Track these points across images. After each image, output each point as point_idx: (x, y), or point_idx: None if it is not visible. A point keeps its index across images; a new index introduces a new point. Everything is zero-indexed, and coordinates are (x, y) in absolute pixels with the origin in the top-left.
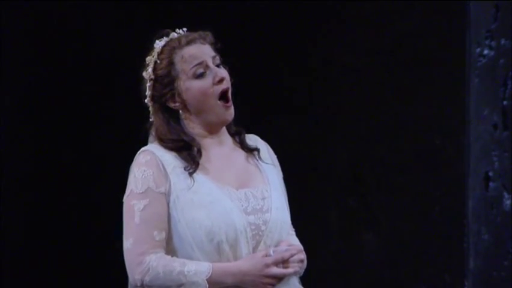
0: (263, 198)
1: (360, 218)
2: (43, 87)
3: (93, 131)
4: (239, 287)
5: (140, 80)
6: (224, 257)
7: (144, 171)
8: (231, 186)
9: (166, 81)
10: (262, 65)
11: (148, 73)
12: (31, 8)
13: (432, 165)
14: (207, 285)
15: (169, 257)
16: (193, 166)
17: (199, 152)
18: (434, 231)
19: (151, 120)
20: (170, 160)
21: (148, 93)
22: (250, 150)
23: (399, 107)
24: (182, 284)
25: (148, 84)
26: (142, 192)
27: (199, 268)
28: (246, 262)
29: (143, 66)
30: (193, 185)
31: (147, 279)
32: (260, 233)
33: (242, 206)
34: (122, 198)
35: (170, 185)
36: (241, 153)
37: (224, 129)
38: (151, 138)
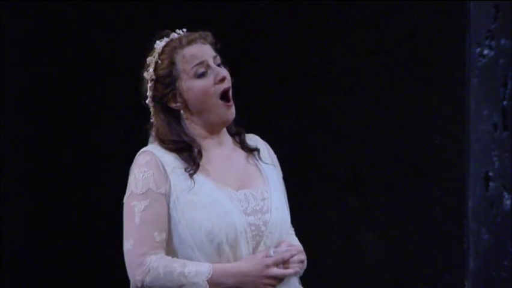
0: (263, 199)
1: (360, 218)
2: (43, 87)
3: (93, 132)
4: (239, 287)
5: (141, 81)
6: (224, 257)
7: (144, 172)
8: (231, 187)
9: (168, 81)
10: (262, 65)
11: (149, 73)
12: (31, 8)
13: (432, 165)
14: (208, 286)
15: (169, 257)
16: (194, 167)
17: (200, 153)
18: (434, 231)
19: (151, 121)
20: (171, 161)
21: (149, 93)
22: (251, 151)
23: (399, 106)
24: (183, 285)
25: (149, 85)
26: (143, 193)
27: (200, 269)
28: (246, 263)
29: (143, 66)
30: (193, 187)
31: (148, 280)
32: (260, 233)
33: (242, 206)
34: (122, 198)
35: (170, 186)
36: (241, 154)
37: (224, 129)
38: (151, 138)
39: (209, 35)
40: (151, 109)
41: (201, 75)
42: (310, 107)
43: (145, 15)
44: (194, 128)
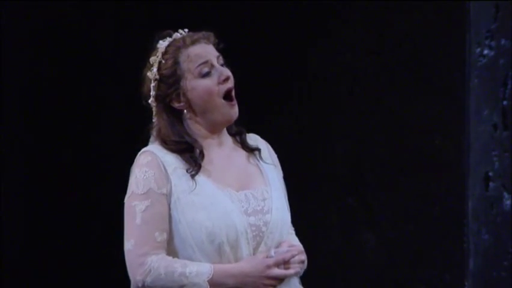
0: (263, 199)
1: (360, 218)
2: (43, 87)
3: (93, 132)
4: None
5: (141, 81)
6: (225, 258)
7: (145, 172)
8: (232, 188)
9: (171, 80)
10: (262, 64)
11: (152, 73)
12: (31, 8)
13: (432, 165)
14: (208, 287)
15: (170, 258)
16: (196, 168)
17: (202, 153)
18: (434, 231)
19: (153, 120)
20: (171, 161)
21: (152, 93)
22: (251, 150)
23: (399, 106)
24: (183, 285)
25: (152, 85)
26: (144, 193)
27: (201, 269)
28: (247, 263)
29: (146, 66)
30: (194, 187)
31: (148, 280)
32: (261, 234)
33: (243, 207)
34: (123, 198)
35: (171, 186)
36: (241, 154)
37: (224, 129)
38: (152, 138)
39: (212, 35)
40: (154, 109)
41: (205, 75)
42: (310, 107)
43: (145, 15)
44: (196, 128)
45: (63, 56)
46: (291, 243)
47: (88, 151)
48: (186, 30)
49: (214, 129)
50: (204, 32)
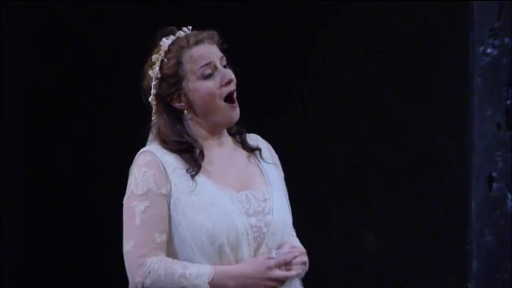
0: (264, 200)
1: (361, 219)
2: (43, 87)
3: (93, 131)
4: None
5: (141, 77)
6: (225, 259)
7: (145, 172)
8: (232, 188)
9: (173, 80)
10: (262, 64)
11: (154, 71)
12: (31, 8)
13: (434, 166)
14: None
15: (170, 259)
16: (195, 168)
17: (202, 153)
18: (436, 233)
19: (153, 119)
20: (171, 161)
21: (153, 91)
22: (252, 150)
23: (400, 106)
24: (183, 287)
25: (153, 83)
26: (143, 194)
27: (201, 271)
28: (248, 265)
29: (147, 64)
30: (194, 188)
31: (148, 282)
32: (262, 235)
33: (243, 208)
34: (122, 199)
35: (171, 187)
36: (242, 154)
37: (224, 130)
38: (150, 137)
39: (216, 35)
40: (154, 107)
41: (208, 77)
42: (311, 106)
43: (145, 15)
44: (197, 128)
45: (63, 56)
46: (293, 245)
47: (87, 151)
48: (190, 27)
49: (214, 131)
50: (208, 32)
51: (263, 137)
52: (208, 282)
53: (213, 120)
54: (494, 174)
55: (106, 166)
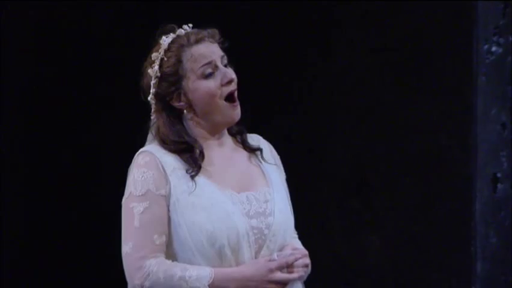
0: (265, 201)
1: (364, 220)
2: (43, 87)
3: (93, 132)
4: None
5: (141, 76)
6: (226, 261)
7: (144, 172)
8: (233, 189)
9: (173, 79)
10: (264, 64)
11: (153, 70)
12: (31, 8)
13: (438, 166)
14: None
15: (169, 261)
16: (195, 169)
17: (202, 154)
18: (440, 235)
19: (152, 118)
20: (171, 161)
21: (152, 90)
22: (253, 150)
23: (403, 106)
24: None
25: (152, 82)
26: (142, 195)
27: (201, 273)
28: (249, 267)
29: (147, 62)
30: (194, 189)
31: (147, 284)
32: (263, 237)
33: (244, 209)
34: (121, 199)
35: (170, 188)
36: (243, 154)
37: (225, 130)
38: (149, 136)
39: (217, 33)
40: (153, 106)
41: (208, 76)
42: (312, 106)
43: (146, 15)
44: (197, 128)
45: (63, 56)
46: (295, 247)
47: (87, 151)
48: (190, 25)
49: (215, 130)
50: (209, 30)
51: (264, 137)
52: (208, 285)
53: (213, 120)
54: (498, 175)
55: (105, 166)
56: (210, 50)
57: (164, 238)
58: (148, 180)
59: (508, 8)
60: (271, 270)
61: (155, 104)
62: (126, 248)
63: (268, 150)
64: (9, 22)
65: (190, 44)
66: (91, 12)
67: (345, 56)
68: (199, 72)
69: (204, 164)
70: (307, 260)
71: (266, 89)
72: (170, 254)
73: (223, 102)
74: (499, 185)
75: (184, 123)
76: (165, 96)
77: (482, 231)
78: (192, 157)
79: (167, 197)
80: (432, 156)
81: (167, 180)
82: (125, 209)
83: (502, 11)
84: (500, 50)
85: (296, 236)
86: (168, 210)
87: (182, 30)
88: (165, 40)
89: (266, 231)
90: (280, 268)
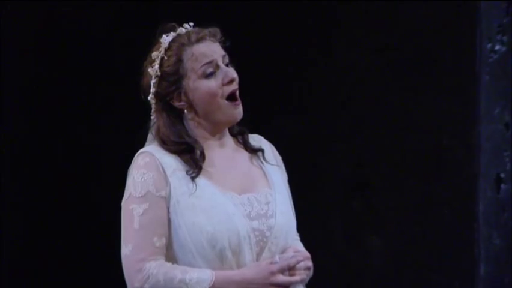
0: (267, 203)
1: (365, 222)
2: (43, 87)
3: (93, 132)
4: None
5: (141, 75)
6: (227, 264)
7: (143, 174)
8: (234, 191)
9: (173, 79)
10: (265, 64)
11: (154, 69)
12: (31, 8)
13: (440, 167)
14: None
15: (169, 264)
16: (196, 170)
17: (202, 155)
18: (442, 236)
19: (152, 118)
20: (171, 162)
21: (152, 90)
22: (254, 151)
23: (405, 105)
24: None
25: (153, 81)
26: (142, 196)
27: (201, 276)
28: (250, 270)
29: (147, 61)
30: (195, 190)
31: (147, 287)
32: (264, 239)
33: (245, 211)
34: (121, 200)
35: (170, 189)
36: (244, 155)
37: (226, 130)
38: (150, 137)
39: (218, 32)
40: (153, 106)
41: (209, 75)
42: (313, 106)
43: (145, 14)
44: (197, 128)
45: (63, 56)
46: (297, 249)
47: (87, 151)
48: (191, 24)
49: (216, 130)
50: (210, 29)
51: (264, 137)
52: None
53: (214, 120)
54: (502, 175)
55: (105, 166)
56: (211, 49)
57: (164, 240)
58: (148, 181)
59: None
60: (272, 273)
61: (156, 103)
62: (126, 250)
63: (270, 150)
64: (9, 22)
65: (191, 43)
66: (91, 12)
67: (346, 56)
68: (200, 71)
69: (205, 165)
70: (310, 263)
71: (267, 88)
72: (170, 256)
73: (224, 102)
74: (503, 186)
75: (185, 124)
76: (165, 95)
77: (485, 232)
78: (192, 158)
79: (167, 199)
80: (435, 156)
81: (167, 182)
82: (125, 211)
83: (505, 9)
84: (504, 49)
85: (298, 238)
86: (168, 212)
87: (183, 29)
88: (165, 39)
89: (268, 234)
90: (282, 271)
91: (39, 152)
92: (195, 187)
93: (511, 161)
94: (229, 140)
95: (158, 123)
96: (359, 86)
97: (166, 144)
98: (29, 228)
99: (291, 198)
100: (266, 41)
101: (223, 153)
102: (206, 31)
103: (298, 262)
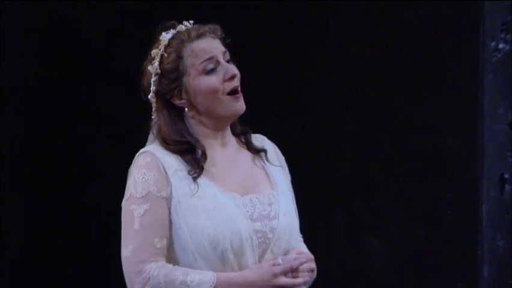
0: (270, 204)
1: (367, 223)
2: (43, 87)
3: (94, 131)
4: None
5: (141, 75)
6: (228, 266)
7: (144, 174)
8: (236, 192)
9: (173, 76)
10: (267, 63)
11: (153, 67)
12: (31, 8)
13: (444, 167)
14: None
15: (170, 265)
16: (198, 170)
17: (204, 154)
18: (445, 237)
19: (153, 117)
20: (172, 162)
21: (152, 88)
22: (257, 151)
23: (408, 104)
24: None
25: (153, 79)
26: (142, 197)
27: (203, 278)
28: (252, 272)
29: (147, 60)
30: (197, 191)
31: None
32: (267, 241)
33: (248, 212)
34: (121, 201)
35: (171, 189)
36: (246, 155)
37: (228, 130)
38: (150, 136)
39: (218, 29)
40: (153, 105)
41: (210, 72)
42: (315, 106)
43: (145, 14)
44: (199, 127)
45: (63, 56)
46: (300, 251)
47: (87, 151)
48: (191, 22)
49: (218, 127)
50: (210, 25)
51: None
52: None
53: (216, 115)
54: (506, 176)
55: (106, 166)
56: (212, 46)
57: (165, 241)
58: (148, 181)
59: None
60: (275, 275)
61: (156, 102)
62: (126, 251)
63: (273, 151)
64: (9, 22)
65: (190, 40)
66: (91, 12)
67: (349, 55)
68: (200, 67)
69: (207, 165)
70: (313, 265)
71: (268, 88)
72: (171, 257)
73: (225, 97)
74: (507, 186)
75: (186, 122)
76: (166, 93)
77: (489, 234)
78: (193, 158)
79: (168, 199)
80: (438, 156)
81: (168, 182)
82: (125, 211)
83: (509, 7)
84: (508, 47)
85: (301, 239)
86: (169, 213)
87: (183, 26)
88: (165, 36)
89: (270, 235)
90: (284, 273)
91: (40, 152)
92: (196, 188)
93: None
94: (231, 139)
95: (159, 122)
96: (361, 85)
97: (167, 143)
98: (29, 228)
99: (294, 199)
100: (266, 41)
101: (225, 153)
102: (206, 27)
103: (301, 264)
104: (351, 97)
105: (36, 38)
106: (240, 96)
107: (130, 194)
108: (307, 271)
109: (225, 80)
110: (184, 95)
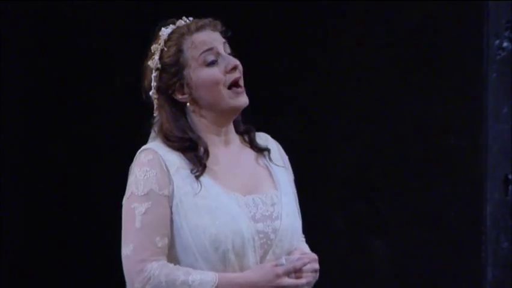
0: (272, 204)
1: (369, 224)
2: (43, 87)
3: (93, 131)
4: None
5: (142, 74)
6: (230, 267)
7: (146, 171)
8: (238, 192)
9: (174, 70)
10: (268, 63)
11: (154, 62)
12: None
13: (447, 167)
14: None
15: (171, 265)
16: (200, 169)
17: (206, 152)
18: (449, 239)
19: (155, 115)
20: (174, 160)
21: (153, 84)
22: (260, 150)
23: (411, 104)
24: None
25: (153, 75)
26: (144, 195)
27: (205, 278)
28: (254, 272)
29: (147, 57)
30: (199, 190)
31: None
32: (269, 241)
33: (250, 212)
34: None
35: (173, 188)
36: (249, 154)
37: (232, 127)
38: (152, 134)
39: (218, 23)
40: (155, 102)
41: (211, 63)
42: (316, 105)
43: (145, 14)
44: (201, 122)
45: (63, 56)
46: (304, 251)
47: (88, 150)
48: (191, 18)
49: (221, 122)
50: (210, 19)
51: None
52: None
53: (218, 109)
54: (510, 176)
55: (106, 165)
56: (211, 37)
57: (166, 240)
58: (150, 179)
59: None
60: (278, 276)
61: (158, 99)
62: (126, 250)
63: (277, 150)
64: (9, 22)
65: (190, 32)
66: (91, 11)
67: (351, 54)
68: (200, 59)
69: (209, 163)
70: (316, 265)
71: (267, 88)
72: (172, 257)
73: (227, 91)
74: (511, 187)
75: (188, 118)
76: (167, 89)
77: (493, 235)
78: (196, 156)
79: (170, 198)
80: (441, 157)
81: (170, 180)
82: (126, 210)
83: None
84: None
85: (304, 239)
86: (171, 212)
87: (182, 21)
88: (165, 31)
89: (272, 236)
90: (287, 273)
91: (39, 152)
92: (199, 187)
93: None
94: (235, 137)
95: (161, 119)
96: (364, 85)
97: (170, 140)
98: (29, 228)
99: (297, 199)
100: (266, 41)
101: (227, 151)
102: (206, 20)
103: (304, 264)
104: (354, 97)
105: (36, 37)
106: (243, 91)
107: (132, 192)
108: (311, 272)
109: (226, 72)
110: (185, 89)
